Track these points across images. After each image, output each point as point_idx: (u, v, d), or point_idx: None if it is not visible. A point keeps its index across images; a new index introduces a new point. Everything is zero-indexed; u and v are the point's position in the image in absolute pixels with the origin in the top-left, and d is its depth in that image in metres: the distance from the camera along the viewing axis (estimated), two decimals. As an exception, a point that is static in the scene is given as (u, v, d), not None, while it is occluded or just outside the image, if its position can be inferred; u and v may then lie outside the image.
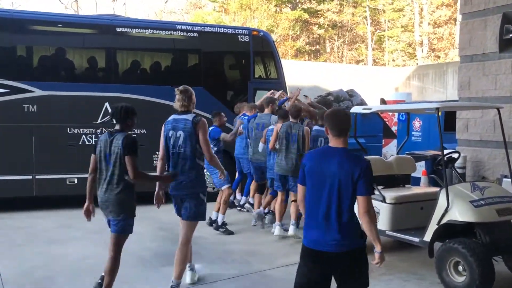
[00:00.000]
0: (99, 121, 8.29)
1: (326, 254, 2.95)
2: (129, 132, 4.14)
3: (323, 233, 2.96)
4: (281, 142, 6.49)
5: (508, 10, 5.90)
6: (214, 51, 9.40)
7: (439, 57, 30.03)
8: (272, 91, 8.37)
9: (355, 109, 6.10)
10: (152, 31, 8.84)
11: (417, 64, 27.69)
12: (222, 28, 9.78)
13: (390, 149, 11.79)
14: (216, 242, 6.40)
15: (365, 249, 3.03)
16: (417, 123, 10.83)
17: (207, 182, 5.60)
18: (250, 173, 8.02)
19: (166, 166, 4.56)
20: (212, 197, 7.02)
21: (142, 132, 8.55)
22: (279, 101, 7.93)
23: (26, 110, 7.85)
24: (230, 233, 6.79)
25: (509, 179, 5.31)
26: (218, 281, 4.96)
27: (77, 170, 8.16)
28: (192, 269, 4.89)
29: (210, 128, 6.89)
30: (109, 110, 8.33)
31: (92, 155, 4.29)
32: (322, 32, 32.33)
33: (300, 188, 3.17)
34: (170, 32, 8.95)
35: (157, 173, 4.60)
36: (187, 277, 4.82)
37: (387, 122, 12.55)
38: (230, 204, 8.18)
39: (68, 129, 8.12)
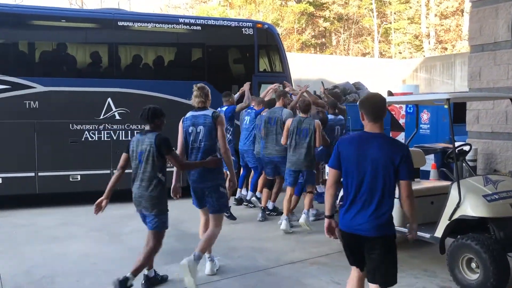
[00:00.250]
0: (101, 117, 8.17)
1: (364, 238, 3.04)
2: (159, 132, 4.34)
3: (361, 217, 3.02)
4: (292, 137, 6.51)
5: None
6: (217, 44, 9.24)
7: (446, 49, 29.66)
8: (276, 84, 8.21)
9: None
10: (154, 24, 8.70)
11: (424, 56, 27.33)
12: (225, 21, 9.60)
13: (398, 143, 11.57)
14: (221, 238, 6.19)
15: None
16: (425, 116, 10.64)
17: None
18: (255, 167, 7.89)
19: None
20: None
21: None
22: None
23: (27, 107, 7.75)
24: (233, 218, 6.98)
25: (523, 172, 5.12)
26: (223, 279, 4.84)
27: (80, 166, 8.09)
28: (212, 260, 4.93)
29: (224, 108, 7.32)
30: (112, 105, 8.24)
31: (124, 154, 4.50)
32: (328, 25, 32.05)
33: (332, 171, 3.19)
34: (172, 25, 8.80)
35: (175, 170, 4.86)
36: (206, 268, 4.89)
37: (394, 115, 12.35)
38: (238, 200, 8.09)
39: (71, 125, 8.02)
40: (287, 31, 30.62)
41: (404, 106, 12.12)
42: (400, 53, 31.61)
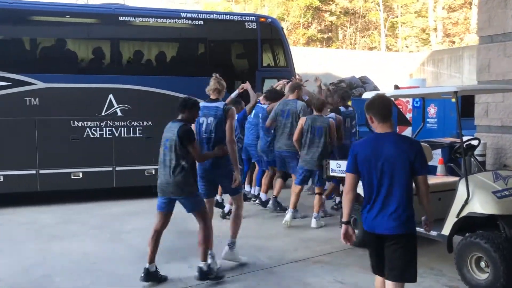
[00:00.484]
0: (103, 114, 8.08)
1: (386, 237, 3.10)
2: (186, 123, 4.47)
3: (383, 216, 3.09)
4: (306, 135, 6.44)
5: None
6: (220, 39, 9.11)
7: (454, 42, 29.25)
8: (284, 80, 7.98)
9: (367, 95, 5.76)
10: (156, 19, 8.56)
11: (431, 50, 27.00)
12: (228, 16, 9.45)
13: (405, 137, 11.39)
14: (223, 236, 6.14)
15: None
16: (432, 110, 10.45)
17: None
18: (259, 162, 7.77)
19: None
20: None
21: (148, 124, 8.34)
22: None
23: (28, 103, 7.67)
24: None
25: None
26: (225, 278, 4.72)
27: (82, 164, 8.01)
28: (212, 256, 4.88)
29: None
30: (114, 102, 8.14)
31: None
32: (334, 19, 31.70)
33: (350, 176, 3.24)
34: (174, 20, 8.66)
35: None
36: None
37: (401, 109, 12.16)
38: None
39: (72, 122, 7.93)
40: (293, 25, 30.38)
41: (411, 100, 11.94)
42: (407, 47, 31.24)
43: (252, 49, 9.27)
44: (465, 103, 8.97)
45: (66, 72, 8.02)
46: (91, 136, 8.01)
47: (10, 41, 7.74)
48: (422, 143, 6.24)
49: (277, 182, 7.34)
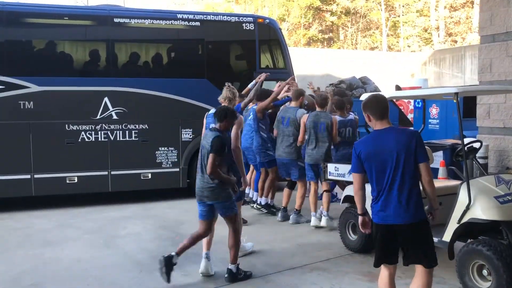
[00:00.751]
0: (98, 117, 7.95)
1: (399, 227, 3.23)
2: (221, 133, 4.58)
3: (395, 207, 3.21)
4: (309, 132, 6.49)
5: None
6: (217, 40, 8.97)
7: (456, 41, 29.08)
8: (289, 79, 7.78)
9: (363, 97, 5.61)
10: (152, 21, 8.43)
11: (433, 49, 26.81)
12: (225, 16, 9.31)
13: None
14: (219, 241, 6.00)
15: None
16: (434, 110, 10.30)
17: None
18: (256, 166, 7.64)
19: None
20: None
21: (144, 127, 8.22)
22: (281, 100, 7.38)
23: (22, 107, 7.55)
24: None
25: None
26: (219, 287, 4.60)
27: (77, 168, 7.89)
28: (208, 258, 4.90)
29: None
30: (109, 105, 8.02)
31: None
32: (335, 20, 31.55)
33: (357, 176, 3.40)
34: (170, 21, 8.53)
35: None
36: (201, 266, 4.90)
37: (402, 110, 12.02)
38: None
39: (67, 125, 7.80)
40: (293, 26, 30.26)
41: (412, 101, 11.79)
42: (408, 46, 31.05)
43: (250, 50, 9.12)
44: (468, 103, 8.81)
45: (60, 75, 7.90)
46: (86, 139, 7.89)
47: (3, 43, 7.62)
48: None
49: (285, 192, 7.17)
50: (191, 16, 8.69)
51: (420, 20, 30.78)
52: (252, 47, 9.04)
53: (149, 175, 8.22)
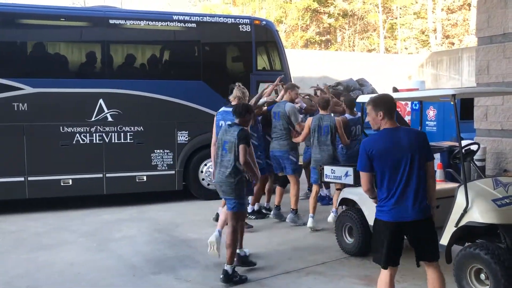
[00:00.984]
0: (93, 119, 7.88)
1: (408, 224, 3.32)
2: (244, 127, 4.74)
3: (404, 204, 3.30)
4: (313, 135, 6.52)
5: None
6: (213, 42, 8.90)
7: (453, 43, 29.08)
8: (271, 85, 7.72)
9: (362, 98, 5.57)
10: (147, 22, 8.37)
11: (431, 51, 26.83)
12: (222, 18, 9.25)
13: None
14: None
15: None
16: (431, 112, 10.27)
17: None
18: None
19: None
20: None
21: (139, 129, 8.15)
22: (271, 106, 7.30)
23: (16, 109, 7.46)
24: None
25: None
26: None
27: (72, 170, 7.81)
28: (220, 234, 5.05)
29: None
30: (104, 107, 7.95)
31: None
32: (333, 22, 31.54)
33: (365, 175, 3.42)
34: (166, 23, 8.47)
35: (211, 157, 5.79)
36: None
37: (399, 112, 11.97)
38: None
39: (61, 127, 7.72)
40: (291, 28, 30.23)
41: (409, 103, 11.76)
42: (406, 48, 31.06)
43: (246, 52, 9.06)
44: (465, 105, 8.77)
45: (55, 76, 7.82)
46: (81, 142, 7.81)
47: (-3, 45, 7.55)
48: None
49: (277, 190, 7.15)
50: (187, 18, 8.63)
51: (417, 22, 30.81)
52: (249, 49, 8.99)
53: (145, 178, 8.15)
